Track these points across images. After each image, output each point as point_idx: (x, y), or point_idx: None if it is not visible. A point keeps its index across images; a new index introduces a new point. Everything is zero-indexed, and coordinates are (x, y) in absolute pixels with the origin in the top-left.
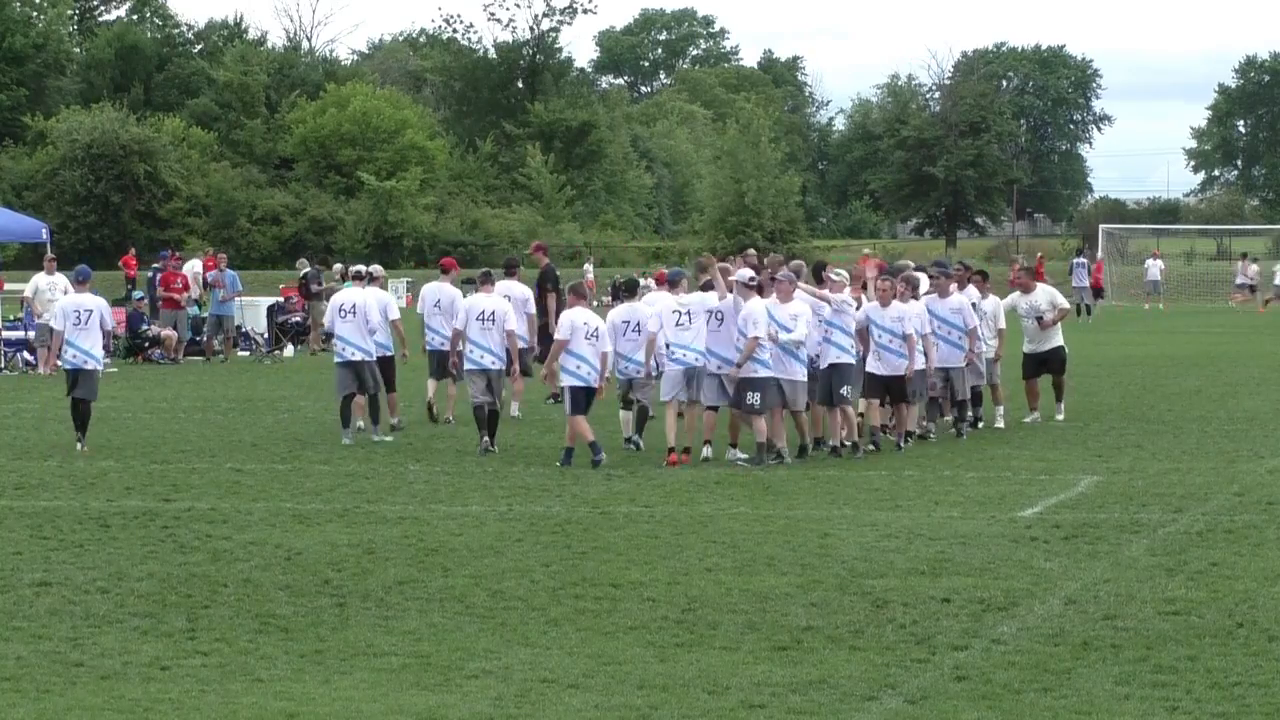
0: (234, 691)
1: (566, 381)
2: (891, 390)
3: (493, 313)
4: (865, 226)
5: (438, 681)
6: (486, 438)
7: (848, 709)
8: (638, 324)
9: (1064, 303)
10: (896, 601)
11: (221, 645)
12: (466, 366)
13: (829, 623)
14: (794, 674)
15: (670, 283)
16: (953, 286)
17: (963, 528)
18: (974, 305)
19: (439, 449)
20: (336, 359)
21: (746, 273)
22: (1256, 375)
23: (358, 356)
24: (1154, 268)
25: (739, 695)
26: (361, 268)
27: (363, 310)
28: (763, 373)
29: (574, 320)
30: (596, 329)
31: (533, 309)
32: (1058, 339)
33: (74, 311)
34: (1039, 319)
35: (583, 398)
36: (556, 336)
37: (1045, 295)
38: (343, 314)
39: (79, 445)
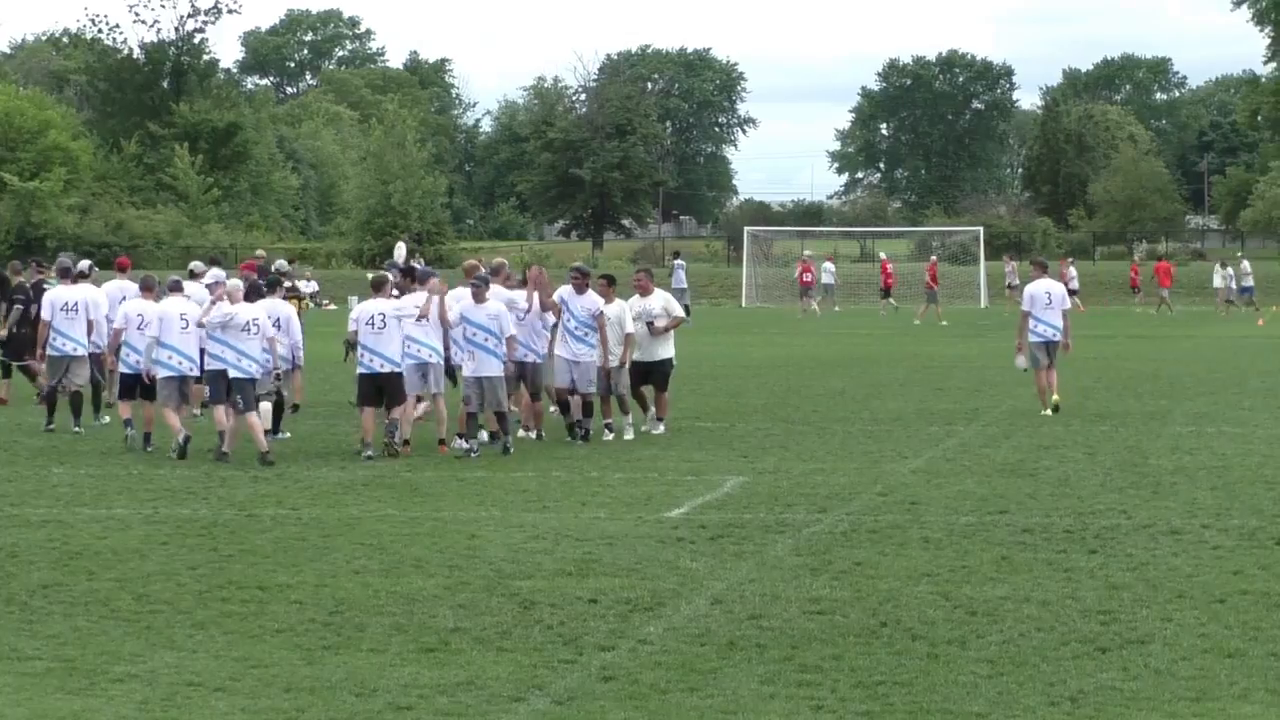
0: None
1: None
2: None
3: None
4: (512, 228)
5: (82, 685)
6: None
7: (495, 710)
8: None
9: (679, 311)
10: (544, 602)
11: None
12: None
13: (476, 624)
14: (441, 675)
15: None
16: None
17: (610, 528)
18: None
19: (83, 451)
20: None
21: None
22: (900, 376)
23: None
24: (827, 271)
25: (386, 697)
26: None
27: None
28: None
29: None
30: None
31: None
32: (669, 349)
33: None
34: (650, 324)
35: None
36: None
37: (660, 300)
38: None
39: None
